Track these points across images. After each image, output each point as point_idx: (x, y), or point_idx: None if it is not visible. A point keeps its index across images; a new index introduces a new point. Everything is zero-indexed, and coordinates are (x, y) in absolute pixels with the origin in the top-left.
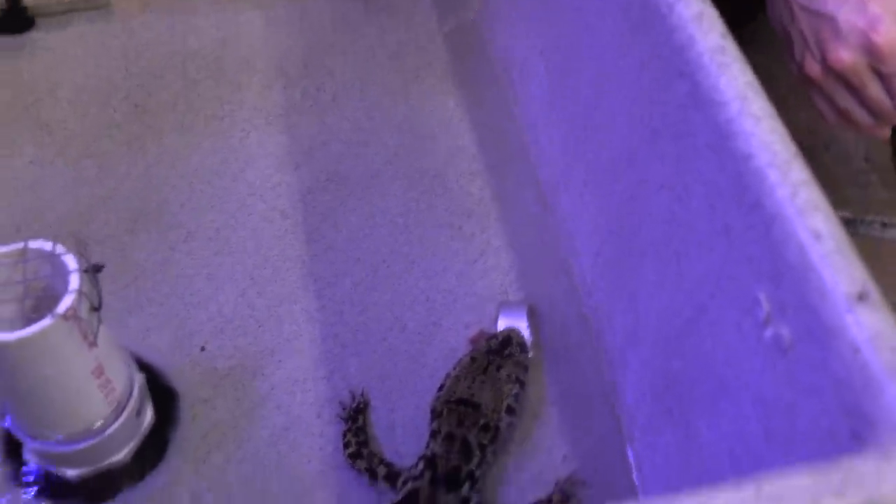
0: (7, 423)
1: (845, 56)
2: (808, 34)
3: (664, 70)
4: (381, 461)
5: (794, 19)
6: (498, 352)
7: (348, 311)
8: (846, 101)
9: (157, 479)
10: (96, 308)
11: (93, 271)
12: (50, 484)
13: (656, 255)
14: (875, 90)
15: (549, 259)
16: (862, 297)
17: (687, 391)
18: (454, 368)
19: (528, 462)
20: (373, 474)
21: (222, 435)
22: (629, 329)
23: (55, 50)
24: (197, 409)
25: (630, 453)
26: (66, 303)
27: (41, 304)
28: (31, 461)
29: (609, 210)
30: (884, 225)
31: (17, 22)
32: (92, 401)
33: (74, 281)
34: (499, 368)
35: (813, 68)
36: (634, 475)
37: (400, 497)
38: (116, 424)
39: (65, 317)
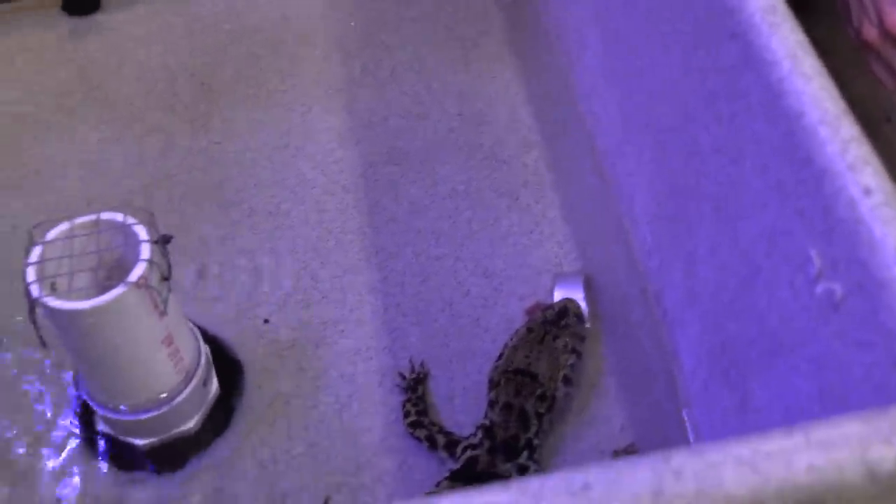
0: (79, 392)
1: None
2: None
3: (717, 32)
4: (441, 430)
5: None
6: (555, 322)
7: (409, 282)
8: None
9: (224, 448)
10: (166, 277)
11: (162, 242)
12: (120, 453)
13: (712, 216)
14: None
15: (606, 228)
16: None
17: (743, 352)
18: (511, 339)
19: (586, 432)
20: (432, 443)
21: (286, 404)
22: (687, 292)
23: (120, 30)
24: (261, 379)
25: (687, 419)
26: (137, 271)
27: (113, 273)
28: (102, 430)
29: (665, 174)
30: None
31: (84, 4)
32: (161, 370)
33: (145, 251)
34: (555, 339)
35: (870, 33)
36: (692, 441)
37: (459, 465)
38: (185, 394)
39: (137, 285)
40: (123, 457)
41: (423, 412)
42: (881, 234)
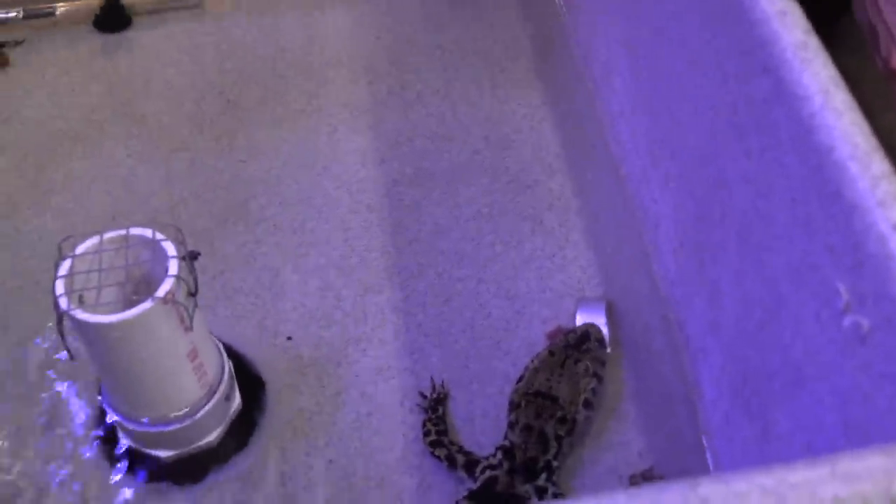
0: (103, 404)
1: None
2: (893, 28)
3: (748, 65)
4: (460, 449)
5: (880, 13)
6: (576, 346)
7: (431, 302)
8: None
9: (245, 462)
10: (193, 293)
11: (190, 258)
12: (142, 464)
13: (737, 247)
14: None
15: (629, 254)
16: None
17: (766, 383)
18: (533, 361)
19: (604, 455)
20: (452, 462)
21: (307, 420)
22: (710, 322)
23: (150, 47)
24: (283, 395)
25: (707, 446)
26: (165, 287)
27: (140, 288)
28: (125, 442)
29: (691, 203)
30: None
31: (116, 21)
32: (186, 383)
33: (173, 266)
34: (577, 363)
35: None
36: (711, 470)
37: (478, 485)
38: (207, 407)
39: (164, 300)
40: (145, 469)
41: (443, 432)
42: None
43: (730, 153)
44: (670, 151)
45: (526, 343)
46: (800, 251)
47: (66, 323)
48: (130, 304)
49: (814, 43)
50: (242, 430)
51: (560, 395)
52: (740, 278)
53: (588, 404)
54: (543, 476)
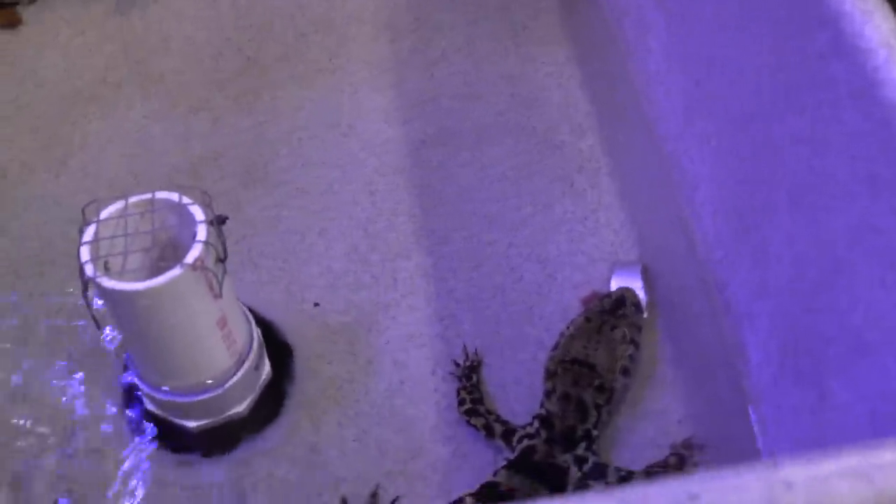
0: (131, 374)
1: None
2: None
3: (802, 19)
4: (497, 418)
5: None
6: (612, 312)
7: (461, 267)
8: None
9: (276, 433)
10: (222, 259)
11: (218, 223)
12: (171, 435)
13: (789, 208)
14: None
15: (665, 216)
16: None
17: (820, 349)
18: (568, 328)
19: (643, 424)
20: (489, 431)
21: (338, 389)
22: (756, 284)
23: (166, 4)
24: (313, 363)
25: (753, 415)
26: (194, 253)
27: (166, 253)
28: (153, 412)
29: (735, 162)
30: None
31: None
32: (215, 352)
33: (202, 232)
34: (613, 329)
35: None
36: (758, 438)
37: (516, 454)
38: (237, 376)
39: (193, 267)
40: (173, 439)
41: (478, 400)
42: None
43: (779, 111)
44: (709, 111)
45: (559, 308)
46: (861, 211)
47: (92, 290)
48: (157, 270)
49: None
50: (272, 399)
51: (597, 362)
52: (791, 240)
53: (626, 371)
54: (583, 445)
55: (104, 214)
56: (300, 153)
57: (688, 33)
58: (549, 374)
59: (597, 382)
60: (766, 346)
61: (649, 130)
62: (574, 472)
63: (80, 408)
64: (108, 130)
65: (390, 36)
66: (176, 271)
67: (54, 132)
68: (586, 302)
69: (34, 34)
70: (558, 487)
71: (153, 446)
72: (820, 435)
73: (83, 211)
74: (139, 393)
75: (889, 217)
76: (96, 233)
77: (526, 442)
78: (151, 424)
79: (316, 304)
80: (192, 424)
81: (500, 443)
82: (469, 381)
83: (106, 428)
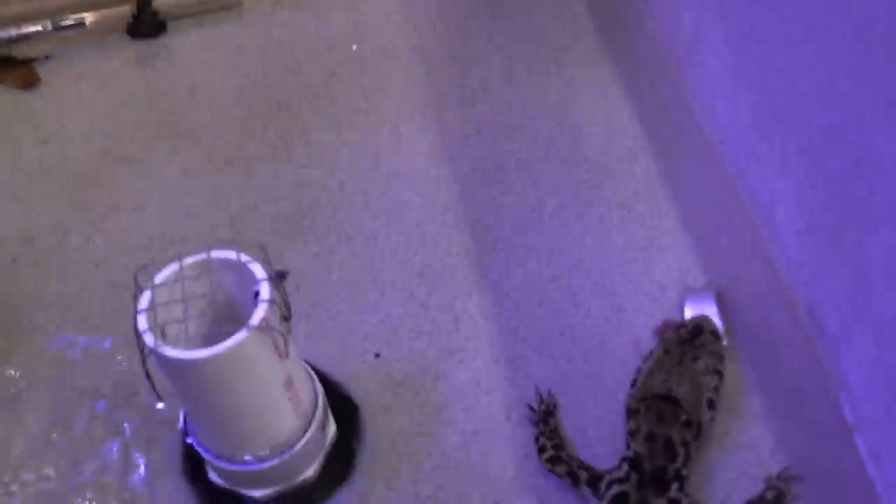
0: (191, 441)
1: None
2: None
3: None
4: (581, 464)
5: None
6: (690, 342)
7: (525, 305)
8: None
9: (347, 496)
10: (286, 317)
11: (278, 279)
12: None
13: (891, 227)
14: None
15: (736, 239)
16: None
17: None
18: (645, 362)
19: (732, 458)
20: (574, 479)
21: (409, 444)
22: (855, 308)
23: (190, 53)
24: (379, 418)
25: (860, 443)
26: (259, 313)
27: (221, 315)
28: (215, 482)
29: (820, 181)
30: None
31: (149, 26)
32: (283, 415)
33: (265, 290)
34: (695, 360)
35: None
36: (869, 467)
37: (606, 501)
38: (305, 439)
39: (259, 328)
40: None
41: (559, 446)
42: None
43: (877, 125)
44: (788, 126)
45: (632, 341)
46: None
47: (150, 360)
48: (215, 334)
49: None
50: (341, 460)
51: (681, 396)
52: None
53: (712, 404)
54: (675, 486)
55: (159, 279)
56: (342, 199)
57: (755, 46)
58: (631, 413)
59: (683, 418)
60: (872, 371)
61: (711, 150)
62: None
63: (139, 485)
64: (140, 189)
65: (426, 70)
66: (242, 334)
67: (84, 194)
68: (660, 332)
69: (54, 92)
70: None
71: None
72: None
73: (135, 276)
74: (201, 460)
75: None
76: (152, 299)
77: (616, 488)
78: (214, 495)
79: (377, 355)
80: (258, 493)
81: (586, 490)
82: (547, 425)
83: (166, 498)
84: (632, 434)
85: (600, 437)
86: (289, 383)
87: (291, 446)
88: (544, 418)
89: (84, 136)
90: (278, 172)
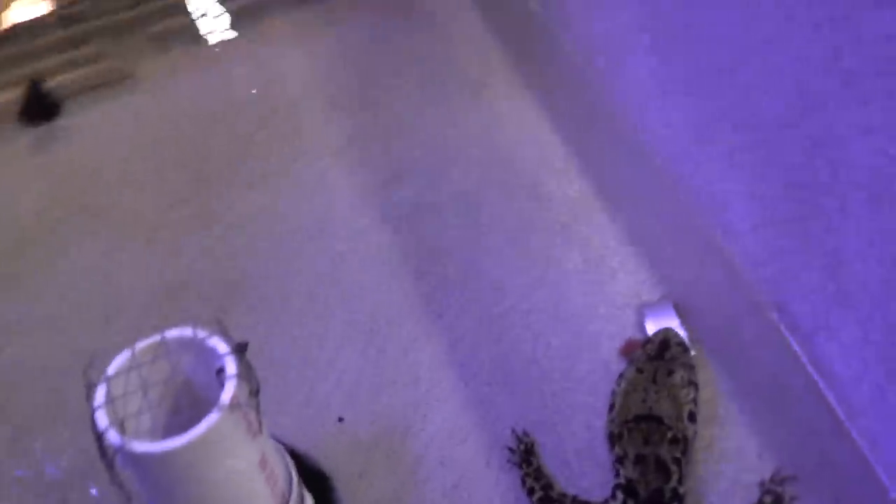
0: None
1: None
2: None
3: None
4: (574, 499)
5: None
6: (660, 357)
7: (482, 345)
8: None
9: None
10: (255, 392)
11: (239, 351)
12: None
13: (865, 207)
14: None
15: (687, 244)
16: None
17: None
18: (619, 384)
19: (722, 466)
20: None
21: None
22: (832, 295)
23: (90, 131)
24: (353, 486)
25: (854, 430)
26: (229, 390)
27: (179, 400)
28: None
29: (775, 172)
30: None
31: (43, 110)
32: (259, 497)
33: (230, 365)
34: (669, 374)
35: None
36: (868, 453)
37: None
38: None
39: (231, 407)
40: None
41: (548, 485)
42: None
43: (834, 105)
44: (731, 123)
45: (599, 365)
46: None
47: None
48: (175, 422)
49: None
50: None
51: (663, 413)
52: (875, 240)
53: (693, 417)
54: None
55: (111, 370)
56: (275, 261)
57: (686, 48)
58: (615, 438)
59: (669, 435)
60: (859, 357)
61: (648, 160)
62: None
63: None
64: (64, 274)
65: (341, 115)
66: (215, 416)
67: (4, 288)
68: (627, 351)
69: None
70: None
71: None
72: None
73: (84, 371)
74: None
75: None
76: (108, 392)
77: None
78: None
79: (340, 419)
80: None
81: None
82: (529, 465)
83: None
84: (620, 460)
85: (584, 469)
86: (264, 462)
87: None
88: (525, 458)
89: None
90: (203, 242)
